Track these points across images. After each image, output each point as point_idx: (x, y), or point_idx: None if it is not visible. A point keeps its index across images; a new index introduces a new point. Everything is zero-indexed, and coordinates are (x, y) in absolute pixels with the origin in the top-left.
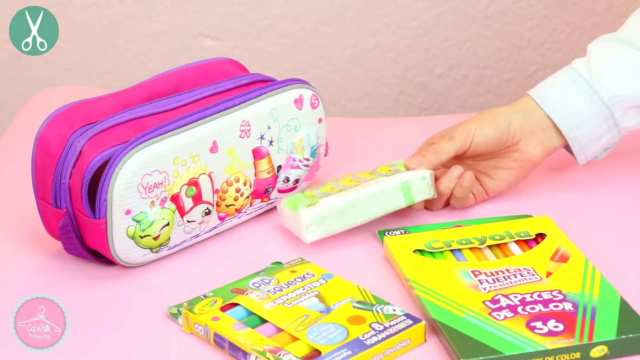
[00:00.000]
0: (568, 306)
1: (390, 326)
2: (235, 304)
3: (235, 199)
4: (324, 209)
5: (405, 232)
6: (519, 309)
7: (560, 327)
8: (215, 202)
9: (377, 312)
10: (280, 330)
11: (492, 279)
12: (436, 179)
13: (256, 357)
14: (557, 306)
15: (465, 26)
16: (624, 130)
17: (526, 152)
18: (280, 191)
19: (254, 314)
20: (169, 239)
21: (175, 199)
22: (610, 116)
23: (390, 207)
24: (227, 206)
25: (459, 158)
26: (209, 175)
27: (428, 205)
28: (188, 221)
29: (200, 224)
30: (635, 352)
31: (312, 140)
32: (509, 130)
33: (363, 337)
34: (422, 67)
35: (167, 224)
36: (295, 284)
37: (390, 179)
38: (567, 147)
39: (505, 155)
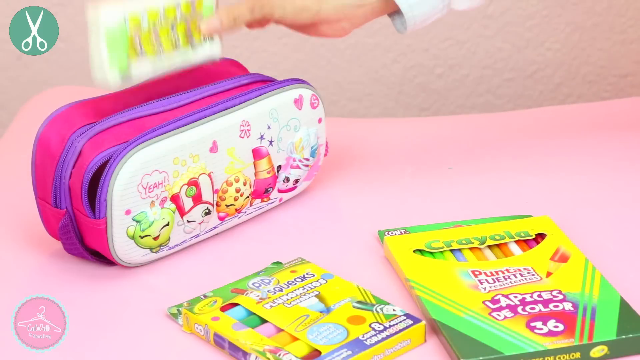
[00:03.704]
0: (568, 306)
1: (390, 326)
2: (235, 304)
3: (235, 199)
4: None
5: (405, 232)
6: (519, 309)
7: (560, 327)
8: (215, 202)
9: (377, 312)
10: (280, 330)
11: (492, 279)
12: None
13: (256, 357)
14: (557, 306)
15: (465, 26)
16: (452, 9)
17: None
18: (280, 191)
19: (254, 314)
20: (169, 239)
21: (175, 199)
22: None
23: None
24: (227, 206)
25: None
26: (209, 175)
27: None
28: (188, 221)
29: (200, 224)
30: (635, 352)
31: (312, 140)
32: (320, 15)
33: (363, 337)
34: (422, 67)
35: (167, 224)
36: (295, 284)
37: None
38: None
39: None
